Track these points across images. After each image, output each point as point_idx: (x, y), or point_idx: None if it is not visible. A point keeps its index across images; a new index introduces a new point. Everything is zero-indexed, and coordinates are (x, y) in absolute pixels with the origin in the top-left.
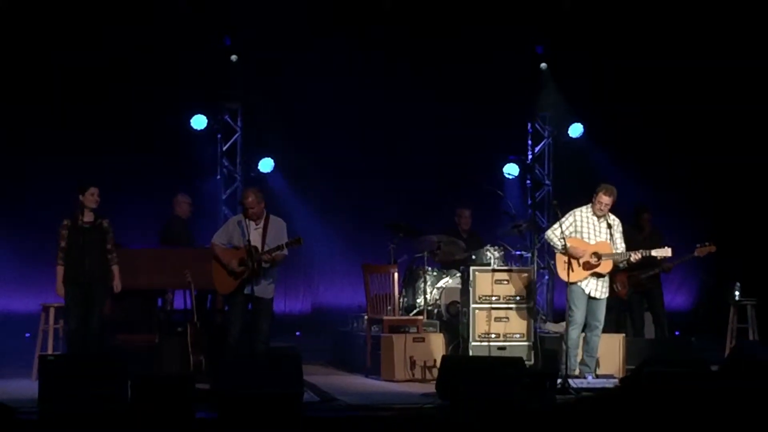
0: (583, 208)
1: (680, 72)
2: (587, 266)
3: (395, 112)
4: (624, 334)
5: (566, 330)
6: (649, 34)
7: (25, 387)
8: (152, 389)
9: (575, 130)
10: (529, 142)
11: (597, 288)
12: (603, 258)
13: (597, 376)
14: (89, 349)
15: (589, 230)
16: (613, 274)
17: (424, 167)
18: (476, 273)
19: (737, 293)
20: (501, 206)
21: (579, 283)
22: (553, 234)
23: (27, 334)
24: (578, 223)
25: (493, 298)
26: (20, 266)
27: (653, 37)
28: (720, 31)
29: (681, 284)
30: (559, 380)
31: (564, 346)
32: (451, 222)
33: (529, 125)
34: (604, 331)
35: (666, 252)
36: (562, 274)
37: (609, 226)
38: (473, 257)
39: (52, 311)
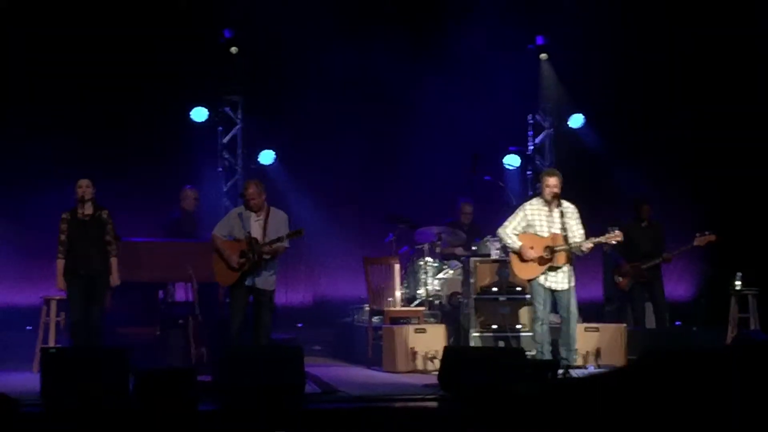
0: (533, 200)
1: (680, 61)
2: (542, 261)
3: (396, 103)
4: (625, 325)
5: (533, 326)
6: (649, 26)
7: (27, 380)
8: (154, 382)
9: (576, 120)
10: (530, 132)
11: (557, 280)
12: (556, 251)
13: (599, 366)
14: (90, 342)
15: (542, 222)
16: (617, 265)
17: (425, 159)
18: (477, 264)
19: (738, 283)
20: (502, 197)
21: (537, 279)
22: (504, 232)
23: (28, 327)
24: (529, 217)
25: (494, 289)
26: (22, 259)
27: (654, 29)
28: (720, 27)
29: (682, 274)
30: (560, 371)
31: (534, 342)
32: (453, 213)
33: (530, 116)
34: (606, 321)
35: (618, 236)
36: (518, 271)
37: (562, 215)
38: (474, 248)
39: (53, 304)
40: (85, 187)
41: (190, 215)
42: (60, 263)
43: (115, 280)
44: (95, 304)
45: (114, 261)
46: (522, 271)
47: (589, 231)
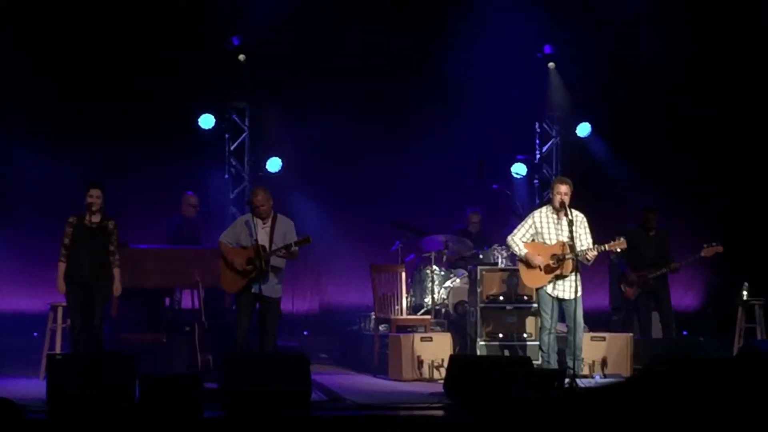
0: (543, 209)
1: (688, 71)
2: (548, 269)
3: (403, 111)
4: (631, 334)
5: (539, 335)
6: (656, 35)
7: (34, 386)
8: (160, 388)
9: (583, 129)
10: (537, 141)
11: (564, 289)
12: (562, 259)
13: (605, 376)
14: (91, 349)
15: (550, 230)
16: (623, 274)
17: (432, 167)
18: (484, 272)
19: (745, 293)
20: (509, 206)
21: (545, 288)
22: (512, 240)
23: (35, 334)
24: (538, 225)
25: (501, 298)
26: (28, 266)
27: (661, 38)
28: (722, 29)
29: (689, 284)
30: (566, 380)
31: (540, 351)
32: (460, 221)
33: (537, 125)
34: (612, 330)
35: (621, 244)
36: (526, 279)
37: (570, 223)
38: (481, 257)
39: (60, 310)
40: (95, 197)
41: (189, 222)
42: (61, 266)
43: (117, 290)
44: (95, 311)
45: (117, 271)
46: (529, 280)
47: (596, 240)
